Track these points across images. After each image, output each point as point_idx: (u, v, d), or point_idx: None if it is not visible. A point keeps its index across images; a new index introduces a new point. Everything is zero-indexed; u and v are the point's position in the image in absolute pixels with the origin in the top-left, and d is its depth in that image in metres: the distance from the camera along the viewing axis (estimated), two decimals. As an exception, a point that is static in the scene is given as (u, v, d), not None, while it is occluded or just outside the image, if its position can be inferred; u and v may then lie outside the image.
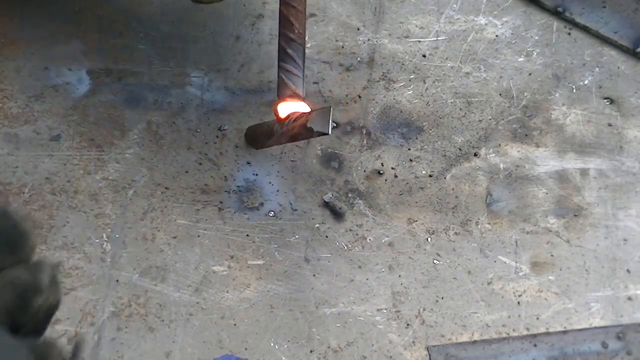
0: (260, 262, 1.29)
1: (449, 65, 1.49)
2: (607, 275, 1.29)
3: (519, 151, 1.40)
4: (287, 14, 1.26)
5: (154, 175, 1.37)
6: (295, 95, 1.21)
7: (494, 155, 1.40)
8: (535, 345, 1.23)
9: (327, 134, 1.15)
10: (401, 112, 1.45)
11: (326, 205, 1.35)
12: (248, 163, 1.39)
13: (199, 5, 1.52)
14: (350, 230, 1.33)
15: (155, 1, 1.53)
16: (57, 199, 1.34)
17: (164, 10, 1.53)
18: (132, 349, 1.22)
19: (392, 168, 1.39)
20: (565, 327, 1.24)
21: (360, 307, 1.26)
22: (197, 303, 1.26)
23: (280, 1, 1.28)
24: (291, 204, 1.35)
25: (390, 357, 1.22)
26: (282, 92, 1.20)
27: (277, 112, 1.22)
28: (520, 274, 1.29)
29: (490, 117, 1.44)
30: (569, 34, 1.53)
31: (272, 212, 1.34)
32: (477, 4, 1.54)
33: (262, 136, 1.27)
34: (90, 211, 1.33)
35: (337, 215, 1.34)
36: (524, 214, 1.34)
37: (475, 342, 1.23)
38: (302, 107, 1.20)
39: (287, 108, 1.21)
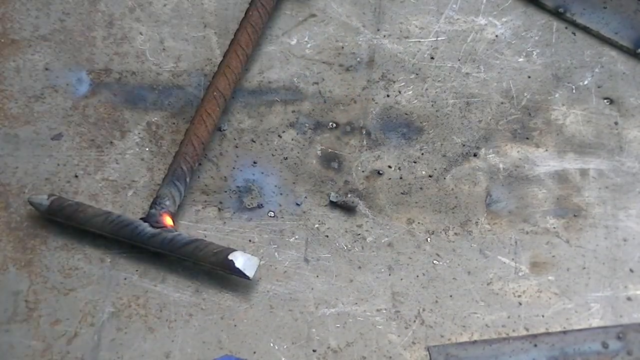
0: (260, 262, 1.29)
1: (448, 65, 1.49)
2: (607, 276, 1.29)
3: (518, 151, 1.40)
4: (192, 135, 1.36)
5: (154, 176, 1.37)
6: (169, 213, 1.30)
7: (493, 155, 1.40)
8: (535, 346, 1.23)
9: (249, 278, 1.24)
10: (401, 112, 1.45)
11: (334, 204, 1.35)
12: (248, 163, 1.39)
13: (200, 6, 1.53)
14: (350, 230, 1.33)
15: (155, 2, 1.53)
16: (57, 199, 1.34)
17: (164, 10, 1.53)
18: (131, 350, 1.22)
19: (392, 168, 1.39)
20: (564, 327, 1.24)
21: (360, 307, 1.26)
22: (197, 304, 1.26)
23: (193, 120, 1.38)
24: (291, 204, 1.35)
25: (390, 357, 1.22)
26: (165, 205, 1.31)
27: (165, 221, 1.30)
28: (520, 274, 1.29)
29: (490, 118, 1.44)
30: (569, 34, 1.53)
31: (272, 213, 1.34)
32: (476, 5, 1.54)
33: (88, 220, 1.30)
34: (90, 212, 1.33)
35: (349, 211, 1.34)
36: (524, 214, 1.34)
37: (475, 342, 1.23)
38: (168, 221, 1.29)
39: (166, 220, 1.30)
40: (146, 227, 1.27)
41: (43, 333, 1.23)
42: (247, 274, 1.24)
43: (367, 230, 1.33)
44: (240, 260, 1.24)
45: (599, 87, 1.47)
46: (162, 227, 1.28)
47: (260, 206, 1.35)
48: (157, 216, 1.28)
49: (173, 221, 1.30)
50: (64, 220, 1.30)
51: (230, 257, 1.24)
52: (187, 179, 1.33)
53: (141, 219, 1.29)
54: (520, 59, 1.50)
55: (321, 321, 1.25)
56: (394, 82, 1.47)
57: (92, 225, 1.29)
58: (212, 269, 1.26)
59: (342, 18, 1.52)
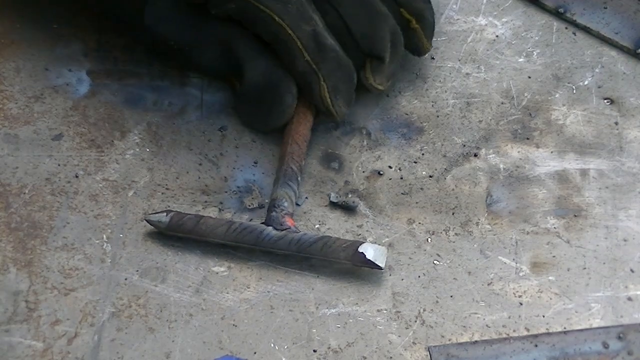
0: (260, 262, 1.29)
1: (449, 65, 1.49)
2: (607, 276, 1.29)
3: (519, 152, 1.40)
4: (294, 134, 1.36)
5: (154, 176, 1.37)
6: (289, 214, 1.30)
7: (494, 155, 1.40)
8: (536, 346, 1.23)
9: (381, 268, 1.25)
10: (401, 112, 1.45)
11: (334, 204, 1.35)
12: (249, 164, 1.39)
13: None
14: (351, 230, 1.33)
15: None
16: (57, 199, 1.34)
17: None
18: (132, 350, 1.22)
19: (393, 169, 1.39)
20: (565, 328, 1.24)
21: (361, 307, 1.26)
22: (198, 304, 1.26)
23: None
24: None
25: (391, 357, 1.22)
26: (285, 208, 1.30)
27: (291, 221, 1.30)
28: (521, 274, 1.29)
29: (490, 118, 1.44)
30: (570, 34, 1.53)
31: (272, 213, 1.34)
32: (477, 5, 1.54)
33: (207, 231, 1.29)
34: (90, 212, 1.33)
35: (349, 211, 1.34)
36: (524, 214, 1.34)
37: (476, 342, 1.23)
38: (290, 222, 1.29)
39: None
40: (271, 231, 1.27)
41: (43, 333, 1.23)
42: (379, 264, 1.25)
43: (367, 231, 1.33)
44: (371, 251, 1.25)
45: (599, 87, 1.47)
46: (287, 228, 1.27)
47: (260, 206, 1.35)
48: (280, 219, 1.28)
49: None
50: (185, 234, 1.29)
51: (360, 249, 1.25)
52: (299, 178, 1.33)
53: (262, 223, 1.29)
54: (521, 59, 1.50)
55: (322, 321, 1.25)
56: (394, 82, 1.47)
57: (214, 236, 1.28)
58: (343, 263, 1.27)
59: (343, 18, 1.51)
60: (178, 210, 1.31)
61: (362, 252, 1.25)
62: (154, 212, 1.32)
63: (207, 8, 1.33)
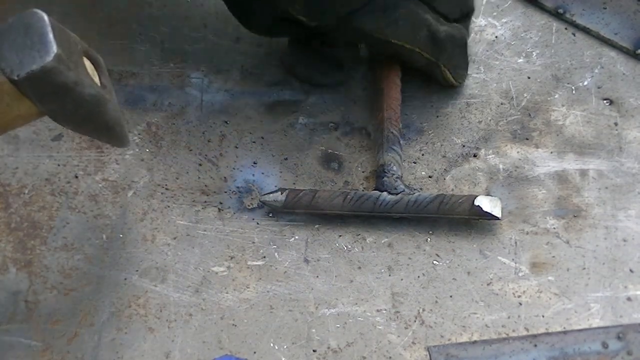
0: (260, 262, 1.29)
1: (448, 66, 1.49)
2: (607, 276, 1.29)
3: (518, 152, 1.41)
4: (388, 99, 1.40)
5: (154, 176, 1.37)
6: (399, 177, 1.34)
7: (493, 156, 1.40)
8: (535, 346, 1.23)
9: (499, 218, 1.29)
10: (401, 112, 1.45)
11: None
12: (248, 164, 1.39)
13: (200, 6, 1.53)
14: (350, 231, 1.33)
15: (154, 2, 1.54)
16: (57, 200, 1.34)
17: (164, 11, 1.53)
18: (131, 350, 1.22)
19: (392, 169, 1.39)
20: (564, 328, 1.24)
21: (360, 307, 1.26)
22: (197, 304, 1.26)
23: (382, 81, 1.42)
24: (291, 204, 1.35)
25: (390, 357, 1.22)
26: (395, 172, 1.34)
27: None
28: (520, 274, 1.29)
29: (490, 118, 1.45)
30: (569, 35, 1.53)
31: (272, 213, 1.34)
32: (476, 6, 1.54)
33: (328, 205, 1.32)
34: (90, 212, 1.33)
35: None
36: (524, 214, 1.34)
37: (475, 342, 1.23)
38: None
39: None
40: (387, 196, 1.31)
41: (43, 333, 1.23)
42: (496, 215, 1.29)
43: (367, 231, 1.33)
44: (486, 203, 1.29)
45: (598, 88, 1.47)
46: (401, 192, 1.31)
47: (260, 206, 1.35)
48: (393, 183, 1.32)
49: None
50: (302, 210, 1.32)
51: (476, 202, 1.29)
52: (401, 141, 1.36)
53: (375, 189, 1.32)
54: (520, 60, 1.50)
55: (321, 321, 1.25)
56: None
57: (332, 208, 1.31)
58: (460, 218, 1.31)
59: (342, 19, 1.51)
60: (176, 207, 1.32)
61: (478, 205, 1.28)
62: (267, 192, 1.33)
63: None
